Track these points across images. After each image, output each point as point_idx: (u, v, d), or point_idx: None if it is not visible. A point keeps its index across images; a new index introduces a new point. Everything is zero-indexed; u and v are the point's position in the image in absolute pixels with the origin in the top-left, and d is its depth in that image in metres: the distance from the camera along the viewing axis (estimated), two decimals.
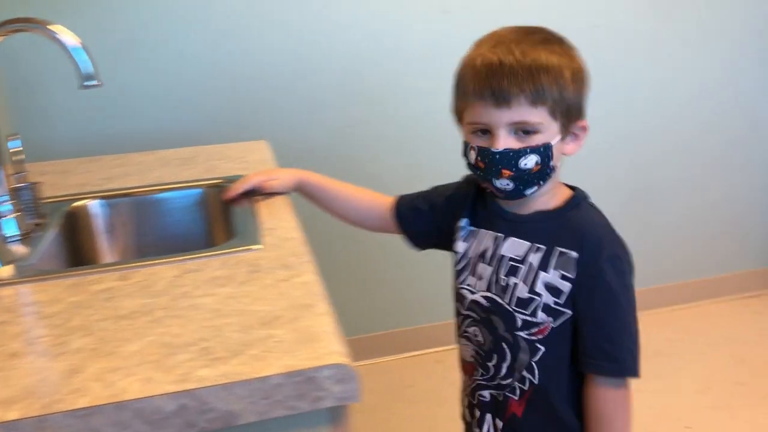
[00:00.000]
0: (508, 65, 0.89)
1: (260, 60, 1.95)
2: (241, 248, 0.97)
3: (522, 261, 0.97)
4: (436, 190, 1.16)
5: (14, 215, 1.10)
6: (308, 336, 0.72)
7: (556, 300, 0.95)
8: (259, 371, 0.66)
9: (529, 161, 0.91)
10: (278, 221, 1.08)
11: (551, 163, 0.93)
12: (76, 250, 1.22)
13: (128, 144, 1.78)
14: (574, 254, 0.94)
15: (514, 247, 0.98)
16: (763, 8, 2.35)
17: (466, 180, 1.10)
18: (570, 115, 0.93)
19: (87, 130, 1.89)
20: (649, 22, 2.27)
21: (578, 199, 1.00)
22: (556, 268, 0.95)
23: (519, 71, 0.88)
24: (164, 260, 0.94)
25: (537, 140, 0.91)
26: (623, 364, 0.96)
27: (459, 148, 0.98)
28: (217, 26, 1.90)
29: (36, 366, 0.70)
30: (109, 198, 1.28)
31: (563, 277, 0.94)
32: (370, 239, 2.21)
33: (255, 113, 1.97)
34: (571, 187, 1.02)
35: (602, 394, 0.97)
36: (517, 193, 0.95)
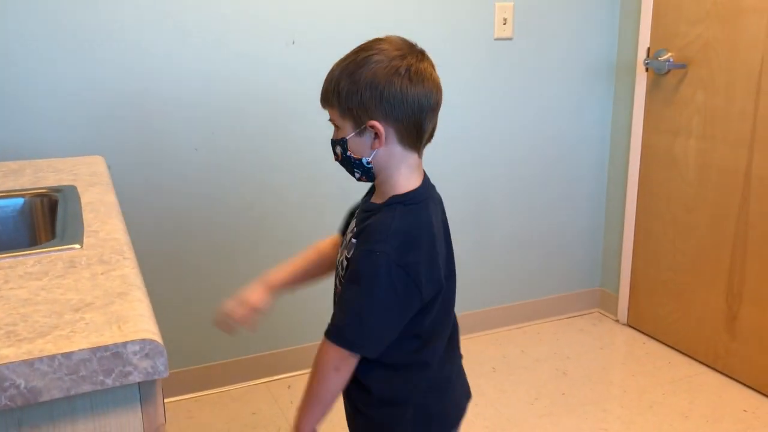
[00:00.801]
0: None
1: (108, 82, 1.93)
2: (59, 247, 0.97)
3: (350, 241, 1.14)
4: None
5: None
6: (118, 318, 0.74)
7: (341, 273, 1.16)
8: (65, 348, 0.67)
9: (337, 150, 1.15)
10: (102, 225, 1.09)
11: (349, 155, 1.12)
12: None
13: None
14: (354, 241, 1.11)
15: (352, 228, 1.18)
16: (579, 50, 2.65)
17: None
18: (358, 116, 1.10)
19: None
20: (487, 63, 2.49)
21: (394, 201, 1.12)
22: (348, 249, 1.12)
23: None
24: None
25: (338, 134, 1.13)
26: (332, 328, 1.10)
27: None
28: (60, 44, 1.86)
29: None
30: None
31: (346, 258, 1.12)
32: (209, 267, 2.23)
33: (95, 131, 1.94)
34: (414, 192, 1.13)
35: (321, 344, 1.12)
36: (351, 169, 1.15)
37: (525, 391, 2.32)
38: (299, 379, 2.41)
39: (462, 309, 2.69)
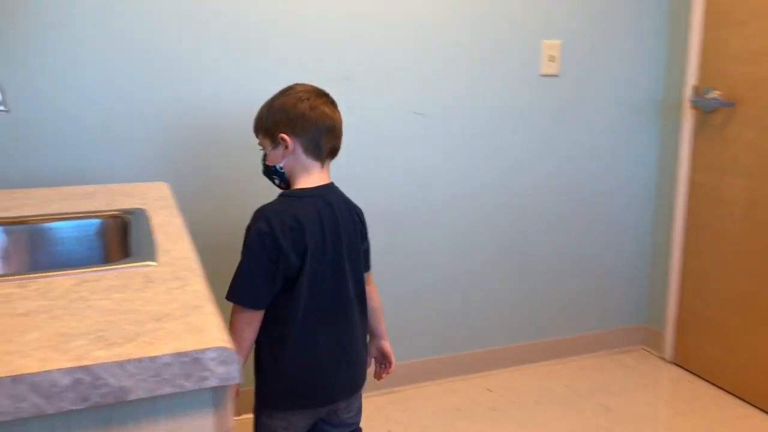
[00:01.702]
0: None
1: (168, 108, 2.05)
2: (135, 264, 1.04)
3: None
4: None
5: None
6: (195, 328, 0.81)
7: None
8: (150, 352, 0.74)
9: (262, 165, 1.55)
10: (173, 245, 1.17)
11: (267, 164, 1.52)
12: None
13: (26, 182, 1.81)
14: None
15: None
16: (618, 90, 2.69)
17: None
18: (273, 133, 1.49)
19: None
20: (533, 99, 2.55)
21: (280, 195, 1.50)
22: None
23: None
24: (62, 272, 1.00)
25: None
26: (229, 289, 1.42)
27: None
28: (125, 73, 1.99)
29: None
30: (7, 225, 1.32)
31: None
32: None
33: (158, 156, 2.05)
34: (300, 190, 1.49)
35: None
36: (270, 175, 1.54)
37: (568, 426, 2.32)
38: None
39: (505, 341, 2.71)
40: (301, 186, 1.48)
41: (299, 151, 1.47)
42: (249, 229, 1.43)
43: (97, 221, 1.36)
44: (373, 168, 2.38)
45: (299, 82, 2.15)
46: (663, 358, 2.82)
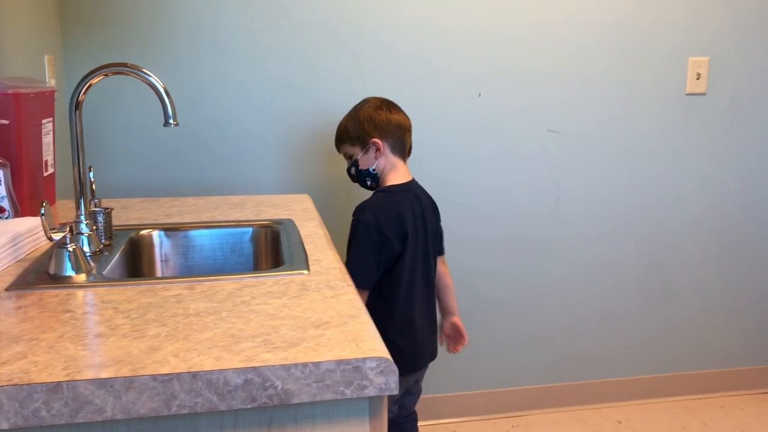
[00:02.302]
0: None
1: (317, 122, 2.13)
2: (290, 272, 1.09)
3: None
4: None
5: (89, 234, 1.23)
6: (354, 337, 0.83)
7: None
8: (314, 358, 0.77)
9: (351, 171, 1.78)
10: (322, 255, 1.21)
11: (360, 168, 1.75)
12: (136, 273, 1.35)
13: (174, 191, 1.95)
14: (353, 217, 1.69)
15: None
16: None
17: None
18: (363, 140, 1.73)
19: (139, 177, 2.06)
20: (678, 119, 2.43)
21: (378, 190, 1.75)
22: None
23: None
24: (225, 277, 1.06)
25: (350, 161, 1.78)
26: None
27: None
28: (272, 87, 2.10)
29: (120, 344, 0.81)
30: (168, 230, 1.41)
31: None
32: None
33: (300, 169, 2.13)
34: (394, 185, 1.73)
35: None
36: (361, 179, 1.78)
37: None
38: (463, 426, 2.43)
39: (638, 372, 2.58)
40: (392, 182, 1.73)
41: (388, 150, 1.72)
42: (357, 222, 1.65)
43: (249, 230, 1.43)
44: (502, 186, 2.36)
45: (432, 96, 2.20)
46: None
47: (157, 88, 1.17)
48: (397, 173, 1.73)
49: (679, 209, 2.50)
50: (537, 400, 2.52)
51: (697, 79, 2.42)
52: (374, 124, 1.71)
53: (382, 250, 1.63)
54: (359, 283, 1.57)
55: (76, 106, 1.20)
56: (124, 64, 1.20)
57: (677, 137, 2.45)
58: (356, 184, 1.80)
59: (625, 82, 2.37)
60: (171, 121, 1.20)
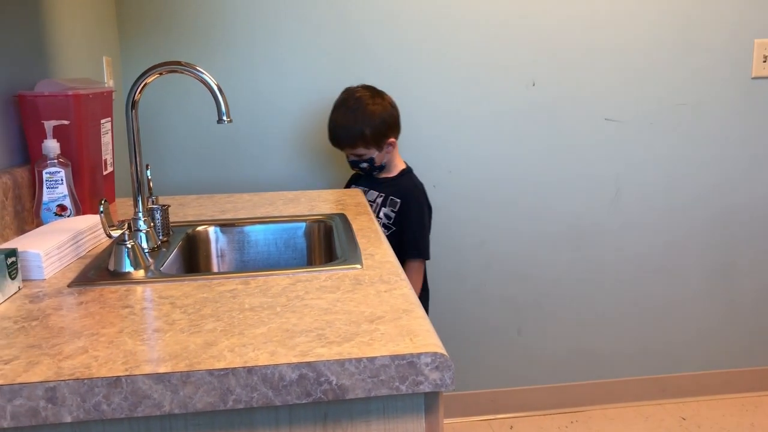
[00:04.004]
0: None
1: None
2: (344, 266, 1.08)
3: (373, 202, 1.91)
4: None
5: (147, 231, 1.26)
6: (409, 331, 0.82)
7: (386, 222, 1.89)
8: (368, 353, 0.76)
9: (363, 166, 1.93)
10: (375, 249, 1.20)
11: (375, 165, 1.91)
12: (193, 269, 1.37)
13: (229, 187, 1.97)
14: (398, 200, 1.90)
15: (371, 195, 1.93)
16: None
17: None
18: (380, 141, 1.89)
19: (195, 173, 2.10)
20: (743, 104, 2.33)
21: (404, 171, 1.96)
22: (387, 207, 1.89)
23: None
24: (278, 272, 1.06)
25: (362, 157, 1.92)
26: (419, 251, 1.93)
27: None
28: (330, 87, 2.10)
29: (177, 339, 0.82)
30: (224, 226, 1.43)
31: (392, 211, 1.89)
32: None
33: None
34: (406, 165, 1.98)
35: (408, 266, 1.91)
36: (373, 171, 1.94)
37: None
38: (521, 421, 2.39)
39: (704, 367, 2.48)
40: (401, 165, 1.96)
41: (395, 141, 1.92)
42: (413, 198, 1.89)
43: (302, 224, 1.43)
44: (559, 176, 2.31)
45: (485, 86, 2.17)
46: None
47: (210, 85, 1.18)
48: (399, 156, 1.97)
49: (745, 198, 2.40)
50: (596, 395, 2.46)
51: (764, 61, 2.31)
52: (390, 126, 1.88)
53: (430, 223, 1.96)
54: (426, 255, 1.90)
55: (132, 105, 1.22)
56: (178, 62, 1.21)
57: (742, 123, 2.35)
58: (356, 170, 1.96)
59: (687, 67, 2.28)
60: (224, 117, 1.21)
